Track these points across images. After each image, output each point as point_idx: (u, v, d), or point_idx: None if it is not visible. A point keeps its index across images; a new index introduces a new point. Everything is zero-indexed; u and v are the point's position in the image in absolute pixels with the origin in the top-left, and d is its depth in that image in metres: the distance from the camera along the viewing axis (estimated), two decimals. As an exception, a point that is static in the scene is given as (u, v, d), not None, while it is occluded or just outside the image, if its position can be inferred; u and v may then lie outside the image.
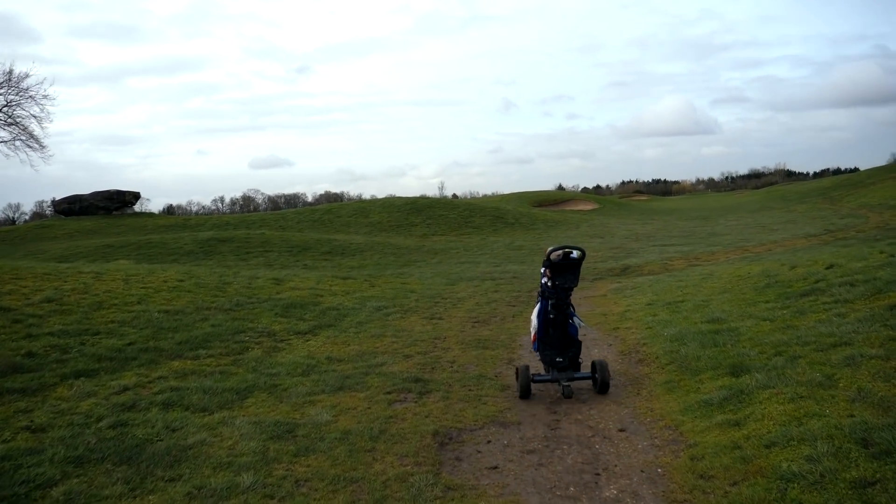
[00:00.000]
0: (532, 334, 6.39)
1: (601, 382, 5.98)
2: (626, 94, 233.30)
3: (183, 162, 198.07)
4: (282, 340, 8.65)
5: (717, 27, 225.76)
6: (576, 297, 13.01)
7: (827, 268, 10.78)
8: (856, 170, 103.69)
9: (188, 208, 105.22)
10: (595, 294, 13.08)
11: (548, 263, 6.03)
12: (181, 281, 12.13)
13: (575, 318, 6.33)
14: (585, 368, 6.29)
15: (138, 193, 38.63)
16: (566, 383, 5.92)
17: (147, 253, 23.60)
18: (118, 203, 37.26)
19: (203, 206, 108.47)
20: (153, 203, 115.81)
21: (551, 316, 6.15)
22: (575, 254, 6.03)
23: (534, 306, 6.60)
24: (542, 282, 6.19)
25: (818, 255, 13.01)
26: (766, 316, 7.84)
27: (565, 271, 6.02)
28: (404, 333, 9.11)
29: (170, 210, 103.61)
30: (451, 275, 16.72)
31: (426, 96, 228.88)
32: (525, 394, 5.97)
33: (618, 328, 9.07)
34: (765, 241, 22.58)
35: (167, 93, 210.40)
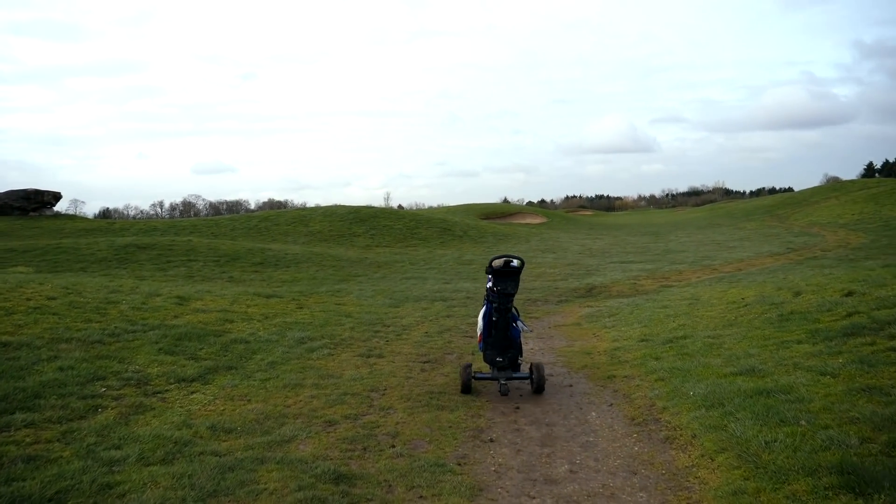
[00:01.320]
0: (478, 335, 6.73)
1: (537, 384, 6.35)
2: (569, 111, 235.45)
3: (123, 165, 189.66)
4: (154, 393, 6.05)
5: (655, 49, 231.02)
6: (545, 326, 10.77)
7: (845, 295, 8.83)
8: (790, 189, 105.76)
9: (125, 212, 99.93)
10: (566, 322, 10.86)
11: (490, 270, 6.37)
12: (53, 298, 9.34)
13: (518, 322, 6.67)
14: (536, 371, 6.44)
15: (59, 194, 34.76)
16: (503, 382, 6.23)
17: (53, 260, 20.34)
18: (36, 203, 33.42)
19: (142, 211, 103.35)
20: (89, 206, 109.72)
21: (494, 318, 6.42)
22: (515, 262, 6.36)
23: (480, 309, 6.86)
24: (487, 286, 6.53)
25: (811, 278, 11.13)
26: (819, 367, 5.70)
27: (506, 278, 6.31)
28: (330, 381, 6.63)
29: (105, 214, 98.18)
30: (395, 293, 14.28)
31: (373, 107, 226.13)
32: (466, 389, 6.32)
33: (613, 377, 6.80)
34: (730, 260, 20.90)
35: (109, 94, 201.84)
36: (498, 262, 6.36)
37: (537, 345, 8.91)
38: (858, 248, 21.72)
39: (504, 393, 6.13)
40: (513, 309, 6.57)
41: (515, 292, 6.40)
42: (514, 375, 6.37)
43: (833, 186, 54.48)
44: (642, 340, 8.20)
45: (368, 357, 7.78)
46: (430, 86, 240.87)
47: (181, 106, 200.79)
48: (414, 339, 8.93)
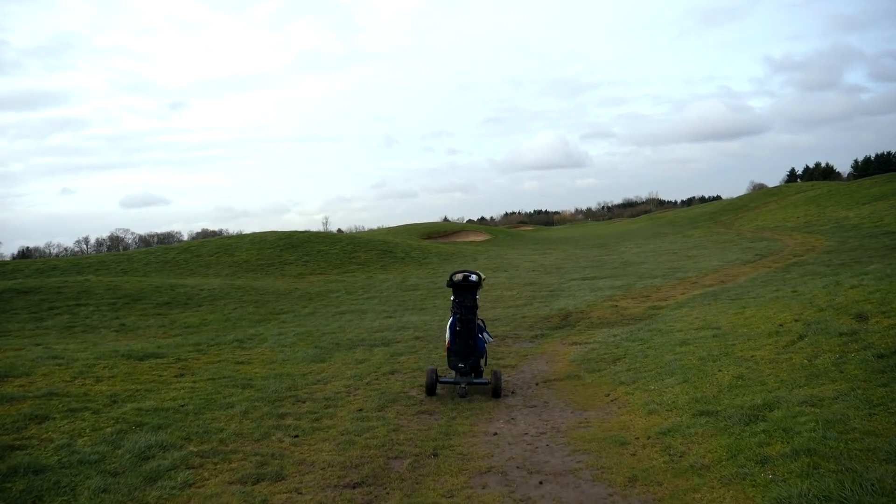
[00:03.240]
0: (446, 343, 6.87)
1: (494, 388, 6.55)
2: (503, 129, 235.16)
3: (46, 202, 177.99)
4: None
5: (583, 67, 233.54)
6: (527, 381, 7.43)
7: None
8: (718, 197, 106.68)
9: (47, 251, 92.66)
10: (556, 372, 7.67)
11: (451, 284, 6.77)
12: None
13: (484, 334, 7.00)
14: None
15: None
16: (463, 386, 6.57)
17: None
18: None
19: (66, 249, 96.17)
20: (7, 247, 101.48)
21: (458, 328, 6.68)
22: (473, 277, 6.72)
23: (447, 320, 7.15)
24: (451, 299, 6.85)
25: (838, 292, 8.38)
26: None
27: (464, 291, 6.72)
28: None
29: (25, 253, 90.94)
30: (323, 337, 10.86)
31: (307, 132, 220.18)
32: (430, 391, 6.61)
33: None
34: (703, 270, 18.29)
35: (27, 128, 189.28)
36: (458, 277, 6.73)
37: (533, 424, 5.68)
38: (833, 252, 19.42)
39: (462, 395, 6.52)
40: (478, 321, 6.89)
41: (474, 305, 6.73)
42: (475, 381, 6.69)
43: (769, 191, 53.67)
44: (702, 414, 5.06)
45: (256, 483, 4.37)
46: (363, 109, 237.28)
47: (106, 138, 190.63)
48: (340, 429, 5.55)
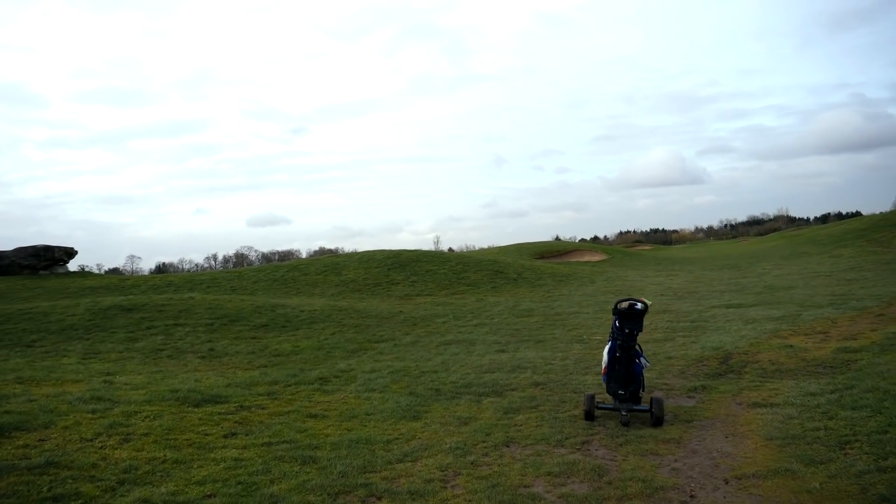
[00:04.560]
0: (603, 367, 6.66)
1: (656, 417, 6.15)
2: (615, 147, 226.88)
3: (182, 221, 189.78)
4: None
5: (700, 80, 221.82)
6: (706, 473, 5.07)
7: None
8: (858, 213, 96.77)
9: (180, 266, 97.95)
10: (743, 455, 5.09)
11: (616, 311, 6.48)
12: None
13: (642, 359, 6.61)
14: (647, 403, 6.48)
15: (72, 249, 30.68)
16: (625, 413, 6.25)
17: (3, 330, 15.68)
18: (46, 261, 29.37)
19: (196, 265, 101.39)
20: (146, 262, 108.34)
21: (618, 354, 6.43)
22: (639, 306, 6.46)
23: (605, 345, 6.78)
24: (613, 325, 6.54)
25: None
26: None
27: (630, 320, 6.41)
28: None
29: (161, 268, 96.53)
30: (421, 377, 8.82)
31: (420, 153, 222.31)
32: (589, 417, 6.35)
33: None
34: (883, 298, 14.76)
35: (168, 154, 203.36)
36: (623, 305, 6.50)
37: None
38: None
39: (625, 423, 6.16)
40: (636, 346, 6.59)
41: (640, 331, 6.46)
42: (635, 408, 6.36)
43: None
44: None
45: None
46: (474, 129, 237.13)
47: (236, 161, 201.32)
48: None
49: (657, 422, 6.16)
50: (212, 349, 13.30)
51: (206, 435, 5.83)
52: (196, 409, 6.71)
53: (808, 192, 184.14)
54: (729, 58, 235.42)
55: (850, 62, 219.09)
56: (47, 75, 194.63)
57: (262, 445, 5.53)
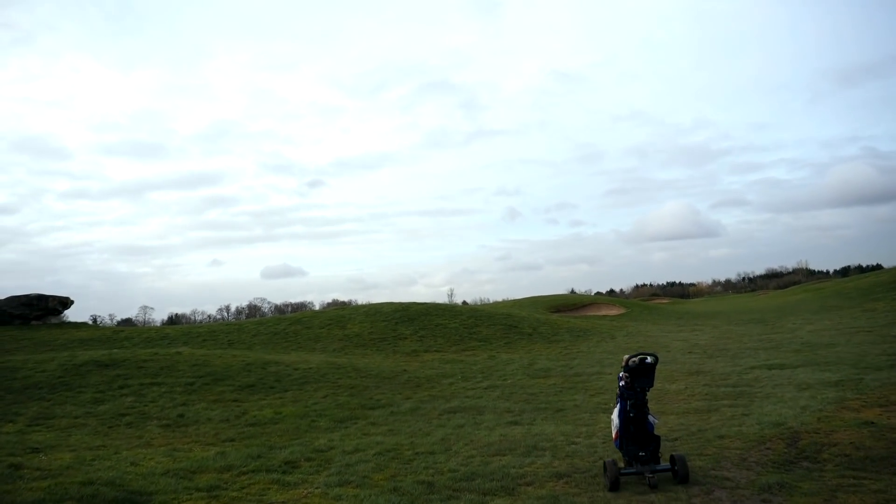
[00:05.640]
0: (614, 433, 6.37)
1: (682, 474, 5.93)
2: (628, 200, 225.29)
3: (197, 272, 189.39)
4: None
5: (712, 134, 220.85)
6: None
7: None
8: (879, 266, 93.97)
9: (192, 317, 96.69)
10: None
11: (627, 369, 6.21)
12: None
13: (650, 416, 6.32)
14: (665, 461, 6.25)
15: (66, 299, 29.22)
16: (650, 475, 5.90)
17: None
18: (39, 310, 27.87)
19: (209, 316, 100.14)
20: (158, 313, 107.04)
21: (631, 415, 6.18)
22: (649, 359, 6.26)
23: (613, 408, 6.51)
24: (620, 385, 6.31)
25: None
26: None
27: (641, 375, 6.18)
28: None
29: (173, 320, 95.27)
30: (413, 461, 6.96)
31: (434, 206, 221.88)
32: (614, 487, 5.88)
33: None
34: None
35: (186, 206, 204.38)
36: (634, 361, 6.28)
37: None
38: None
39: (653, 486, 5.86)
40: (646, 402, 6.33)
41: (651, 387, 6.27)
42: (658, 468, 6.05)
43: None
44: None
45: None
46: (488, 183, 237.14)
47: (253, 214, 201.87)
48: None
49: (683, 479, 5.95)
50: (181, 415, 11.50)
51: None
52: (100, 516, 4.90)
53: (824, 245, 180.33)
54: (740, 112, 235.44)
55: (860, 116, 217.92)
56: (72, 128, 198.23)
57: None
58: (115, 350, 19.87)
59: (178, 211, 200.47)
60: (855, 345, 17.67)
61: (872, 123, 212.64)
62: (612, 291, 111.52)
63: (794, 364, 14.57)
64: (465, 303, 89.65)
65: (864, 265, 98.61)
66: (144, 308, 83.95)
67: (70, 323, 29.59)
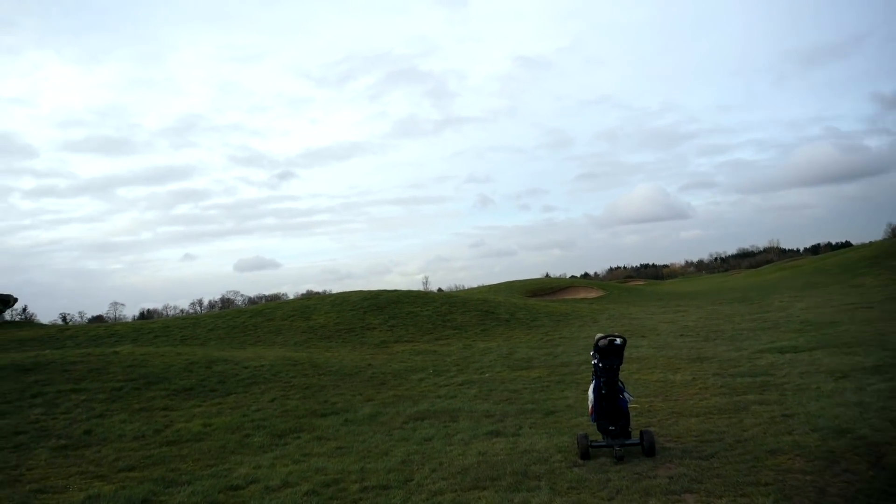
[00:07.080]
0: (590, 408, 6.56)
1: (648, 447, 6.10)
2: (599, 184, 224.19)
3: (171, 266, 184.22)
4: None
5: (679, 117, 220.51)
6: None
7: None
8: (848, 243, 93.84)
9: (164, 312, 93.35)
10: None
11: (597, 349, 6.39)
12: None
13: (625, 394, 6.52)
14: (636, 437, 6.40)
15: (9, 297, 26.54)
16: (618, 448, 6.10)
17: None
18: (-23, 311, 25.30)
19: (181, 310, 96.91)
20: (130, 308, 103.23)
21: (603, 391, 6.35)
22: (618, 341, 6.40)
23: (589, 384, 6.79)
24: (594, 363, 6.51)
25: None
26: None
27: (610, 355, 6.36)
28: None
29: (145, 315, 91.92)
30: (362, 497, 4.86)
31: (406, 195, 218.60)
32: (584, 456, 6.13)
33: None
34: None
35: (155, 201, 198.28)
36: (603, 342, 6.40)
37: None
38: None
39: (619, 458, 6.03)
40: (619, 381, 6.52)
41: (620, 365, 6.42)
42: (626, 442, 6.26)
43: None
44: None
45: None
46: (459, 171, 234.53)
47: (224, 207, 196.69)
48: None
49: (649, 451, 6.08)
50: (88, 431, 9.22)
51: None
52: None
53: (793, 224, 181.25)
54: (707, 95, 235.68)
55: (823, 97, 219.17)
56: (36, 125, 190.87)
57: None
58: (48, 351, 17.37)
59: (147, 206, 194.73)
60: (862, 322, 15.98)
61: (835, 104, 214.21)
62: (586, 275, 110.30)
63: (806, 346, 12.72)
64: (440, 290, 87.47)
65: (834, 242, 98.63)
66: (115, 304, 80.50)
67: (12, 322, 26.87)
